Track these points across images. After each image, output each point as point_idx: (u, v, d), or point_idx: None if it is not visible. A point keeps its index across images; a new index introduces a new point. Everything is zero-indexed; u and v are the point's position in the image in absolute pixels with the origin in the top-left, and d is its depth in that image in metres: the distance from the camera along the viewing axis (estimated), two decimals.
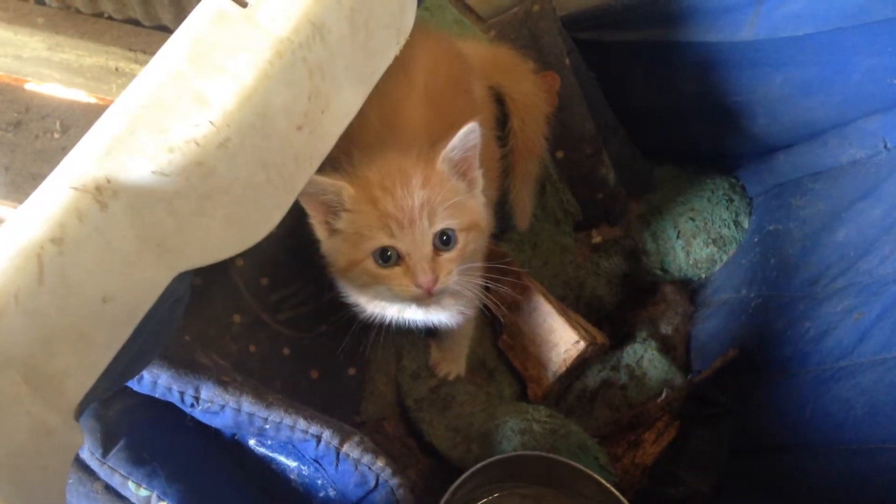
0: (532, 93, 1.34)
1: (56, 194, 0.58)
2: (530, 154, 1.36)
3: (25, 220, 0.57)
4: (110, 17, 1.84)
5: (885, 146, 1.25)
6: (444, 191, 0.96)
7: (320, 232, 1.01)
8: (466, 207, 1.00)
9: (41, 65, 1.89)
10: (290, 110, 0.71)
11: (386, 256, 0.96)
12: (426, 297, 0.98)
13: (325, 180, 0.93)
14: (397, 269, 0.97)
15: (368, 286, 1.01)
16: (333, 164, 1.09)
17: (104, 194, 0.60)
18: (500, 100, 1.34)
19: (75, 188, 0.58)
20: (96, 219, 0.59)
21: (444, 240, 0.97)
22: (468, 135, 0.94)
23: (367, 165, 0.99)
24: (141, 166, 0.61)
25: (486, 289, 1.14)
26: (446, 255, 0.97)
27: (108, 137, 0.62)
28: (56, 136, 1.84)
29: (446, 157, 0.97)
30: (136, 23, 1.83)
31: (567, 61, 1.42)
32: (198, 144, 0.63)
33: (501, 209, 1.36)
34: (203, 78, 0.65)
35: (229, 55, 0.66)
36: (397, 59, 1.07)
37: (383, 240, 0.95)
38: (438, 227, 0.96)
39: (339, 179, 0.95)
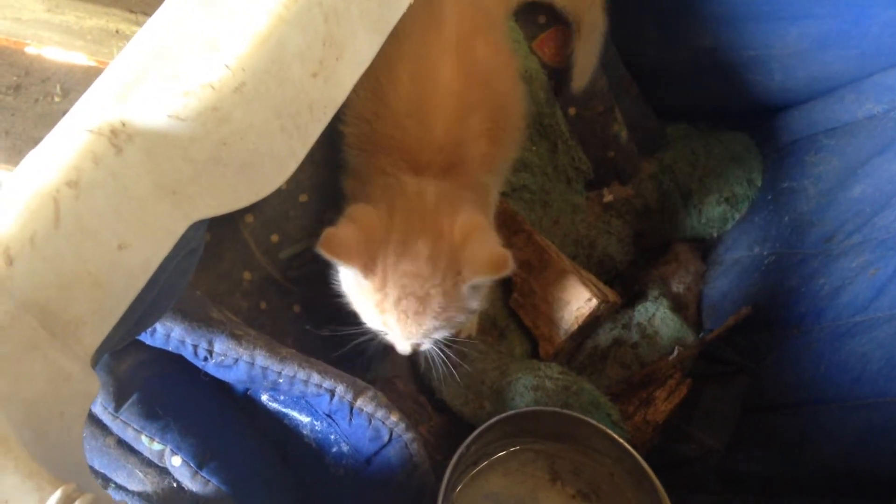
0: None
1: (71, 137, 0.57)
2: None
3: (41, 163, 0.56)
4: None
5: None
6: (450, 312, 0.99)
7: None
8: (463, 322, 1.07)
9: (40, 27, 1.86)
10: (305, 56, 0.70)
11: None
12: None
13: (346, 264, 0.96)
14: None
15: None
16: (359, 123, 1.09)
17: (119, 138, 0.59)
18: None
19: (91, 131, 0.57)
20: (112, 163, 0.58)
21: None
22: (500, 270, 0.96)
23: (394, 249, 0.98)
24: (156, 110, 0.60)
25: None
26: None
27: (122, 81, 0.61)
28: (56, 99, 1.82)
29: (471, 286, 0.99)
30: None
31: None
32: (213, 88, 0.62)
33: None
34: (216, 21, 0.64)
35: None
36: (428, 15, 1.05)
37: (374, 319, 1.02)
38: (427, 336, 1.02)
39: (359, 228, 0.97)
